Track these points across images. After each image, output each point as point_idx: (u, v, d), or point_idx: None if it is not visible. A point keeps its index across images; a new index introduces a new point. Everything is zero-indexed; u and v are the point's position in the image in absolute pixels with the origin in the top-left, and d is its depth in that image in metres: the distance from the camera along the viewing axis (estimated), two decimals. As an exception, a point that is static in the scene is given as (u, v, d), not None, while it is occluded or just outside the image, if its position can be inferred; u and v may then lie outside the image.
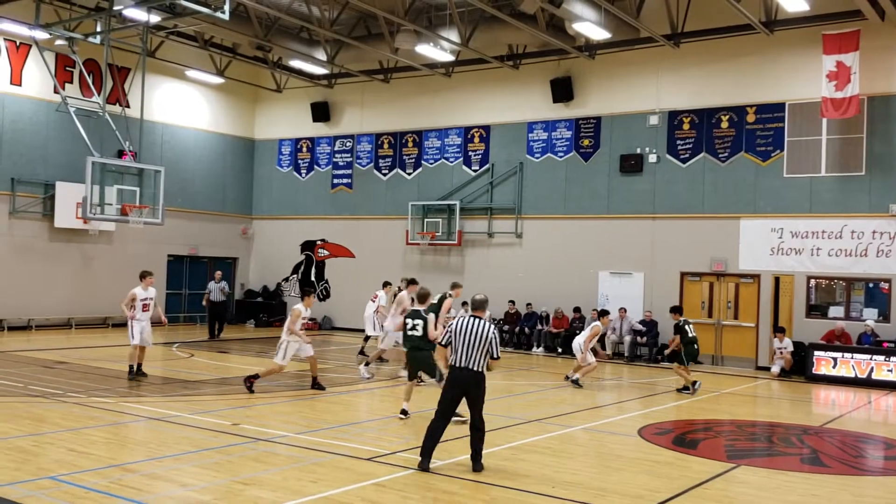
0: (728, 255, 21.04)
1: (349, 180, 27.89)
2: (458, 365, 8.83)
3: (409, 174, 26.59)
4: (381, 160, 27.24)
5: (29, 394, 12.83)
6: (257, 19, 22.78)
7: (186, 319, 26.84)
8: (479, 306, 9.19)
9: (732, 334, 21.10)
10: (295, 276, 28.90)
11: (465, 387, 8.84)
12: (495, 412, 12.87)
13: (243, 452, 9.43)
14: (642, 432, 11.55)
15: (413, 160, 26.56)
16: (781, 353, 19.17)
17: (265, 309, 28.40)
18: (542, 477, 8.71)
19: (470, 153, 25.41)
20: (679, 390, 15.81)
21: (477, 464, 8.86)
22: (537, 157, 24.13)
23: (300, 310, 13.88)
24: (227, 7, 17.77)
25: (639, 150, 22.36)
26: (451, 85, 25.53)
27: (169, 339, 21.97)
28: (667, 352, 16.89)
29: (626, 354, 21.46)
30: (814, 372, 18.52)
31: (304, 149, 28.99)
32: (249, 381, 13.66)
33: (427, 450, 8.81)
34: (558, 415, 12.82)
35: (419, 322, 11.72)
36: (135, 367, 14.81)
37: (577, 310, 22.47)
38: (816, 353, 18.62)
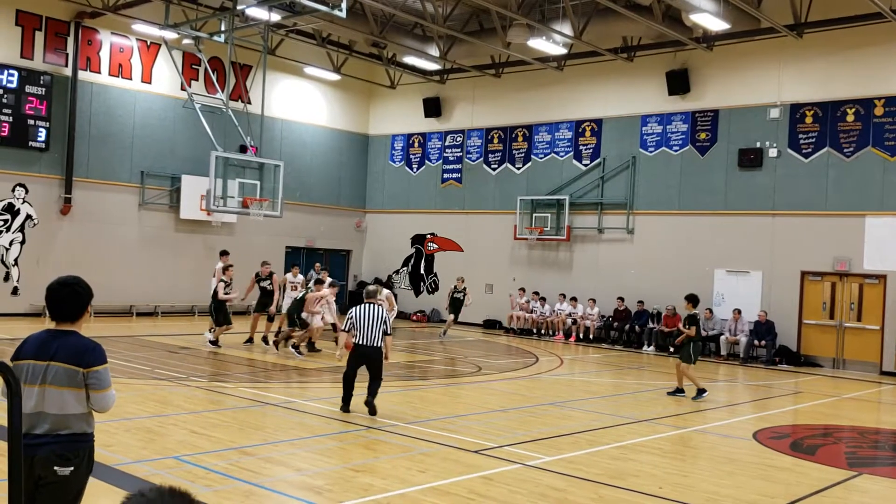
0: (852, 255, 20.12)
1: (459, 175, 28.08)
2: (361, 343, 10.89)
3: (519, 168, 26.54)
4: (490, 155, 27.31)
5: (155, 377, 13.51)
6: (373, 16, 23.20)
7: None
8: (372, 295, 11.32)
9: (855, 337, 20.18)
10: (405, 268, 29.32)
11: (365, 359, 10.95)
12: (604, 410, 12.77)
13: (355, 440, 9.68)
14: (757, 436, 11.22)
15: (522, 154, 26.51)
16: (909, 358, 18.23)
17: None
18: (651, 477, 8.59)
19: (580, 147, 25.16)
20: (671, 393, 14.25)
21: (370, 398, 10.86)
22: (651, 151, 23.67)
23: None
24: (344, 5, 18.18)
25: (758, 144, 21.63)
26: (563, 78, 25.33)
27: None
28: (677, 340, 15.12)
29: (741, 356, 20.85)
30: (945, 379, 17.54)
31: (416, 144, 29.36)
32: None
33: (347, 395, 11.13)
34: (669, 415, 12.59)
35: None
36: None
37: (690, 308, 21.92)
38: (949, 359, 17.63)
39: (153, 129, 24.54)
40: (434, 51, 25.16)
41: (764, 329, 20.70)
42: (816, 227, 20.63)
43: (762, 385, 17.10)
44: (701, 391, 13.94)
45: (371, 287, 11.64)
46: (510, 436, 10.27)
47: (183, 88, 24.00)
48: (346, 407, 11.12)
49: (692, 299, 14.37)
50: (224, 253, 18.69)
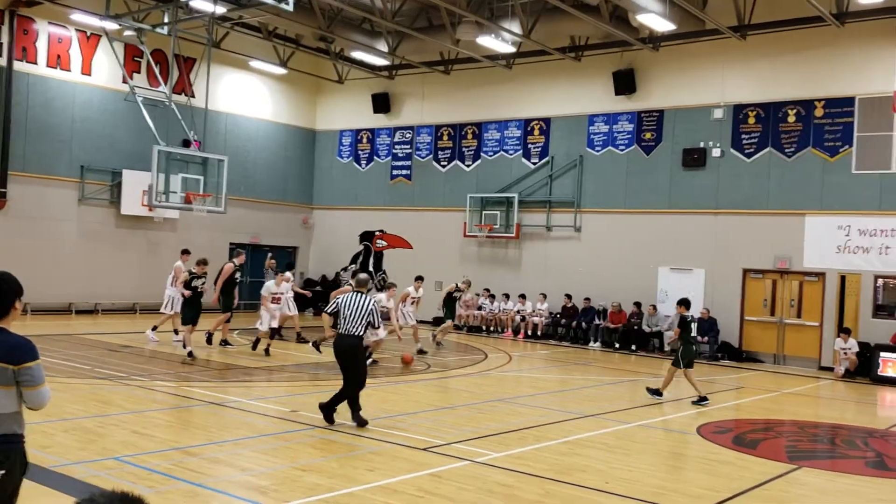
0: (792, 253, 20.57)
1: (408, 171, 28.00)
2: (342, 332, 10.22)
3: (469, 166, 26.57)
4: (440, 152, 27.28)
5: (95, 376, 13.19)
6: (320, 10, 22.97)
7: (247, 307, 27.26)
8: (362, 284, 10.62)
9: (795, 333, 20.64)
10: (353, 265, 29.13)
11: (345, 351, 10.18)
12: (551, 406, 12.83)
13: (301, 439, 9.56)
14: (701, 430, 11.38)
15: (472, 152, 26.54)
16: (846, 353, 18.69)
17: (324, 298, 28.66)
18: (597, 472, 8.64)
19: (529, 146, 25.28)
20: (696, 402, 13.52)
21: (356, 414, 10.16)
22: (598, 151, 23.89)
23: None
24: (291, -2, 17.96)
25: (702, 144, 21.97)
26: (512, 77, 25.41)
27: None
28: (668, 344, 14.63)
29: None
30: (880, 374, 18.01)
31: (365, 140, 29.19)
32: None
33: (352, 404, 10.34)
34: (615, 410, 12.71)
35: None
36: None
37: (637, 304, 22.21)
38: (883, 354, 18.11)
39: (93, 122, 23.96)
40: (383, 46, 25.03)
41: (706, 326, 21.02)
42: (758, 226, 21.04)
43: (705, 380, 17.32)
44: (659, 392, 13.80)
45: (362, 276, 10.93)
46: (458, 433, 10.25)
47: (124, 81, 23.47)
48: (354, 414, 10.33)
49: (684, 303, 13.98)
50: (185, 252, 18.45)
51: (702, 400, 13.49)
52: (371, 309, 10.23)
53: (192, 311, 16.01)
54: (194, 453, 8.54)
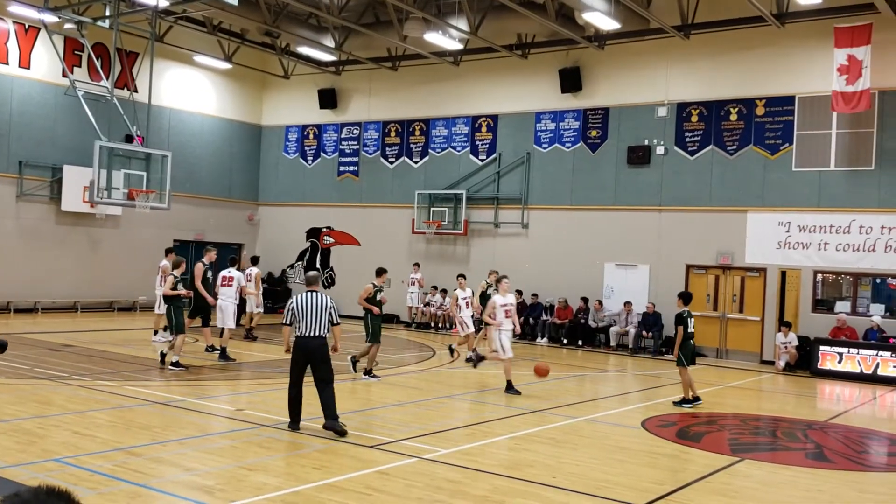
0: (734, 249, 20.99)
1: (356, 168, 27.86)
2: (305, 335, 9.74)
3: (416, 162, 26.54)
4: (387, 148, 27.20)
5: (35, 376, 12.87)
6: (266, 5, 22.71)
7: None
8: (313, 281, 10.24)
9: (737, 328, 21.06)
10: (300, 262, 28.92)
11: (309, 354, 9.74)
12: (498, 402, 12.89)
13: (248, 438, 9.46)
14: (646, 424, 11.54)
15: (420, 148, 26.51)
16: (786, 347, 19.13)
17: (270, 296, 28.39)
18: (544, 467, 8.71)
19: (477, 142, 25.34)
20: (677, 403, 13.19)
21: (333, 421, 9.57)
22: (545, 148, 24.06)
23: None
24: (236, -8, 17.73)
25: (646, 142, 22.28)
26: (459, 73, 25.44)
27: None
28: (674, 353, 13.31)
29: (630, 346, 21.45)
30: (819, 367, 18.47)
31: (311, 135, 28.96)
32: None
33: (295, 415, 9.88)
34: (561, 405, 12.82)
35: None
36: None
37: (584, 300, 22.43)
38: (822, 347, 18.57)
39: (32, 116, 23.35)
40: (329, 42, 24.86)
41: (651, 321, 21.35)
42: (701, 223, 21.41)
43: (650, 375, 17.63)
44: (686, 400, 13.06)
45: (312, 273, 10.48)
46: (406, 430, 10.24)
47: (65, 75, 22.92)
48: (295, 425, 9.86)
49: (683, 296, 13.29)
50: (170, 251, 18.05)
51: (686, 402, 13.07)
52: (331, 305, 9.86)
53: (180, 317, 14.66)
54: (138, 454, 8.38)
